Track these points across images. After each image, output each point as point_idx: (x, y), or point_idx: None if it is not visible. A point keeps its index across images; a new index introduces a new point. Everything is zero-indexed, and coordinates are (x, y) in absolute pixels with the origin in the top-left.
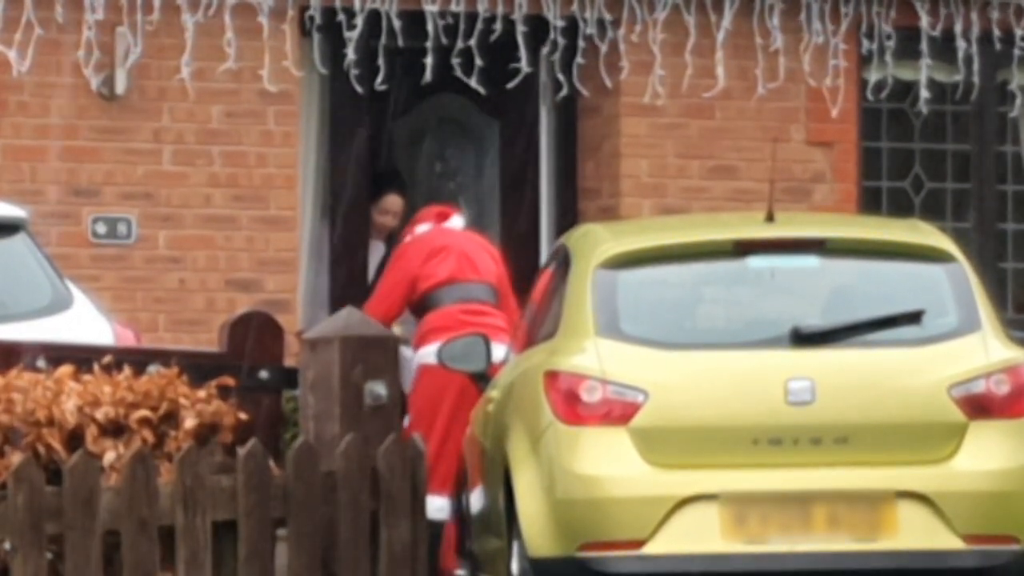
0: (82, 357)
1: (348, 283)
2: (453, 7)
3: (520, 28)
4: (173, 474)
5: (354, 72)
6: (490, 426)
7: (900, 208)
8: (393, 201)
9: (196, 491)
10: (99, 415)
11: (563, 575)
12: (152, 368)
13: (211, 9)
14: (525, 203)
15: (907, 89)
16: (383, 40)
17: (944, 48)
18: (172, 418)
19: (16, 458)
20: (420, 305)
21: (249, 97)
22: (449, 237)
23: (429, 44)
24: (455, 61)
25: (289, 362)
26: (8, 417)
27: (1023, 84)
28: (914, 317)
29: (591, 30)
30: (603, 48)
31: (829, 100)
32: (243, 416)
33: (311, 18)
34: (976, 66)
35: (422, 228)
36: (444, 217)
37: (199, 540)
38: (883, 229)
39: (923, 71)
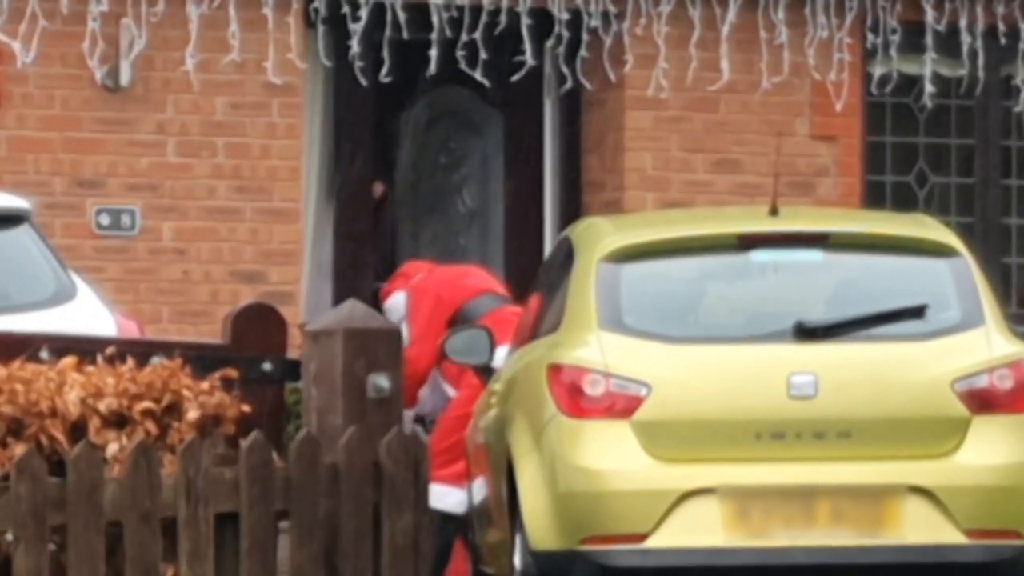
0: (85, 348)
1: (352, 275)
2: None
3: (525, 20)
4: (176, 466)
5: (358, 64)
6: (493, 419)
7: (904, 202)
8: (376, 188)
9: (199, 483)
10: (102, 406)
11: (565, 568)
12: (155, 360)
13: (215, 1)
14: (529, 196)
15: (911, 83)
16: (388, 32)
17: (949, 42)
18: (175, 410)
19: (19, 449)
20: (459, 318)
21: (253, 89)
22: (457, 266)
23: (434, 36)
24: (460, 53)
25: (292, 354)
26: (11, 408)
27: None
28: (917, 311)
29: (595, 23)
30: (607, 41)
31: (833, 94)
32: (246, 408)
33: (315, 10)
34: (980, 60)
35: (417, 279)
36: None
37: (201, 532)
38: (887, 223)
39: (927, 65)
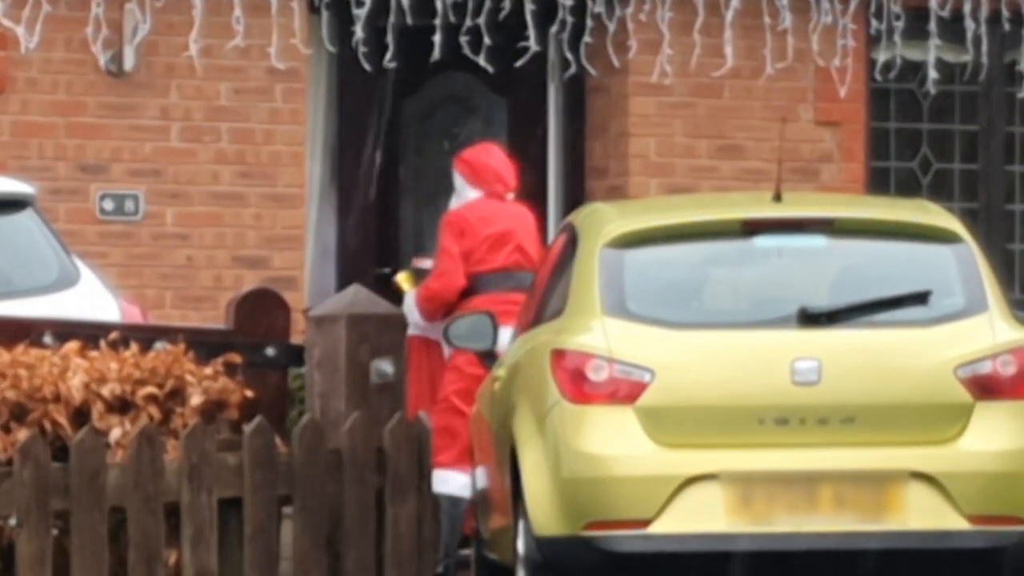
0: (89, 333)
1: (355, 260)
2: None
3: (528, 6)
4: (179, 451)
5: (362, 50)
6: (496, 404)
7: (908, 188)
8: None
9: (202, 468)
10: (105, 391)
11: (569, 554)
12: (159, 345)
13: None
14: (532, 182)
15: (915, 69)
16: (391, 18)
17: (953, 28)
18: (178, 395)
19: (23, 434)
20: (473, 284)
21: (257, 74)
22: (508, 219)
23: (438, 22)
24: (464, 39)
25: (295, 339)
26: (15, 393)
27: None
28: (921, 297)
29: (599, 9)
30: (611, 27)
31: (837, 80)
32: (249, 393)
33: None
34: (984, 46)
35: (473, 194)
36: (496, 193)
37: (204, 517)
38: (891, 209)
39: (931, 51)
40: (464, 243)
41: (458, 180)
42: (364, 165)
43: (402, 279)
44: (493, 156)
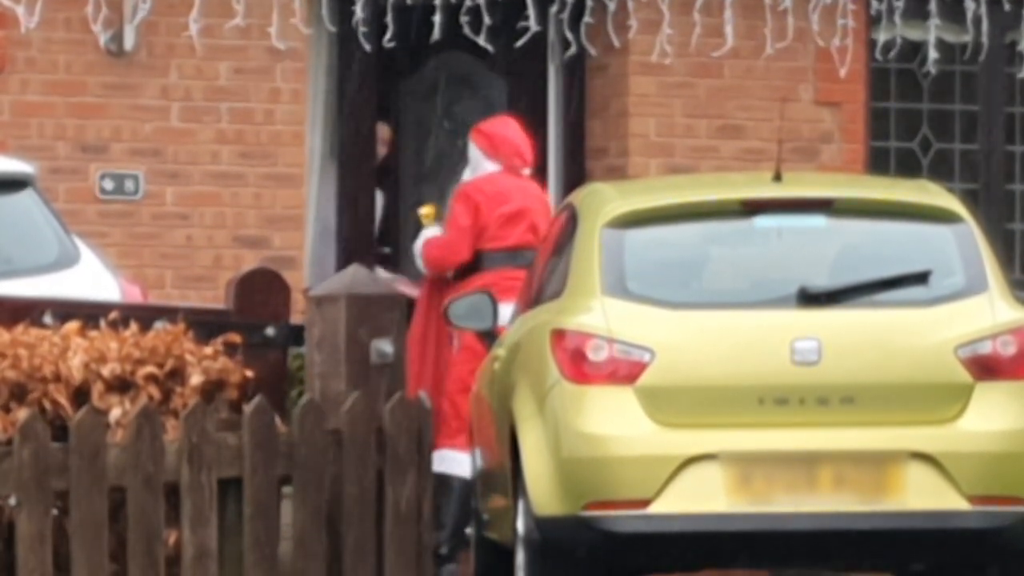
0: (89, 313)
1: (355, 240)
2: None
3: None
4: (179, 431)
5: (362, 29)
6: (496, 384)
7: (908, 169)
8: (382, 130)
9: (202, 448)
10: (105, 371)
11: (568, 534)
12: (159, 324)
13: None
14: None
15: (916, 49)
16: None
17: (953, 8)
18: (178, 375)
19: (22, 414)
20: (475, 260)
21: (257, 54)
22: (523, 197)
23: (438, 1)
24: (464, 19)
25: (295, 319)
26: (15, 373)
27: None
28: (921, 277)
29: None
30: (611, 6)
31: (837, 60)
32: (249, 373)
33: None
34: (985, 27)
35: (491, 167)
36: (514, 168)
37: (204, 497)
38: (891, 189)
39: (932, 31)
40: (478, 219)
41: (474, 152)
42: (364, 145)
43: (425, 212)
44: (511, 129)
